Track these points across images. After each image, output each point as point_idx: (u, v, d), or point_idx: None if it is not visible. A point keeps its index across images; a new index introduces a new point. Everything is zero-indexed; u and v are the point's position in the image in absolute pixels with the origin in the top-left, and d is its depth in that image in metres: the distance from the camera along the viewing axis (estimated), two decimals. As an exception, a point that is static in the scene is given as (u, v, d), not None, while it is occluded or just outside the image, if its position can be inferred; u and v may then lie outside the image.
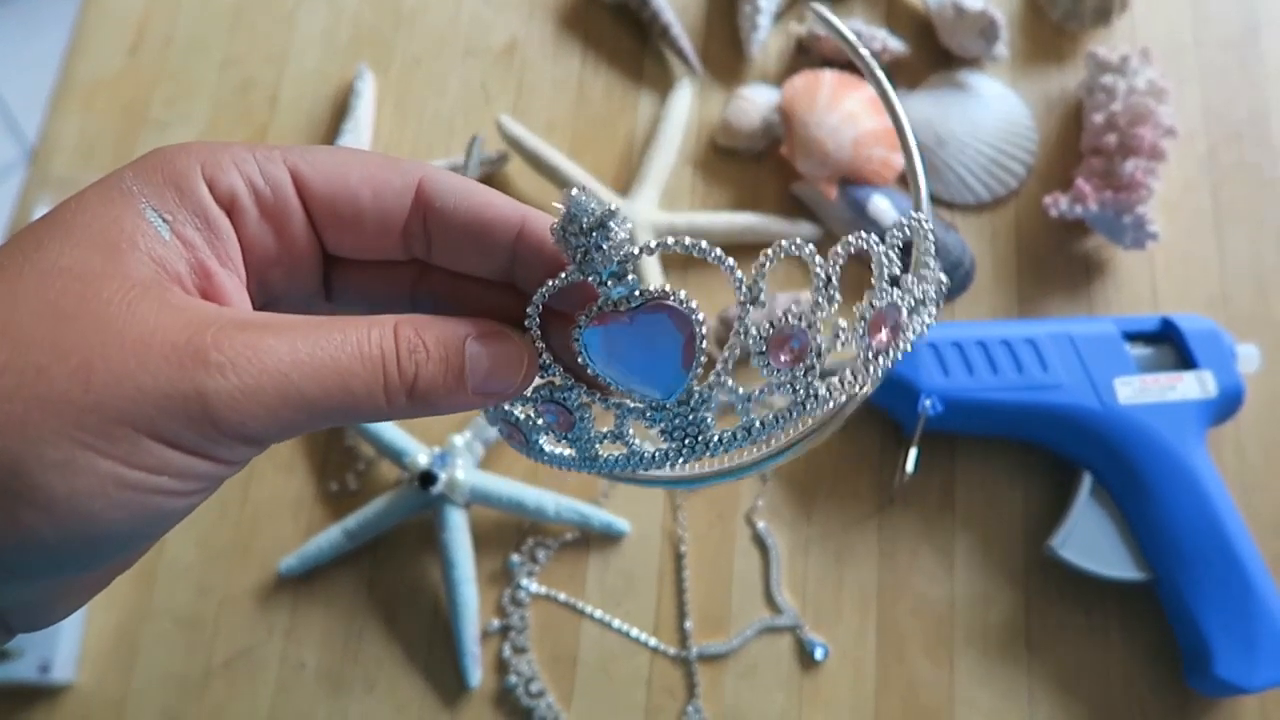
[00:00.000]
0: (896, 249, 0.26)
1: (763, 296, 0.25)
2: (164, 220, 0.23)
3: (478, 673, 0.51)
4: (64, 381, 0.20)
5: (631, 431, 0.27)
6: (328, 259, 0.27)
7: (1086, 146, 0.59)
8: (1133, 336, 0.54)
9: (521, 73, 0.65)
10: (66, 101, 0.64)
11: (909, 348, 0.27)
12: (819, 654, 0.52)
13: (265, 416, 0.21)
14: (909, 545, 0.54)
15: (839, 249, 0.25)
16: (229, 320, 0.22)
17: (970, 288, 0.58)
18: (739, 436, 0.26)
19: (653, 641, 0.52)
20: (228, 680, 0.52)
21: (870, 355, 0.26)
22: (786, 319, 0.25)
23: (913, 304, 0.27)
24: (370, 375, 0.23)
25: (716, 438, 0.26)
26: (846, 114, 0.58)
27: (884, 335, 0.26)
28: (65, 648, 0.52)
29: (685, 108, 0.61)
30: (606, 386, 0.26)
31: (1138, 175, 0.55)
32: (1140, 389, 0.52)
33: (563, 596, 0.53)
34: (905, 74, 0.63)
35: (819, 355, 0.25)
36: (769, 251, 0.24)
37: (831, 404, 0.26)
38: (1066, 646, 0.52)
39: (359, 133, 0.61)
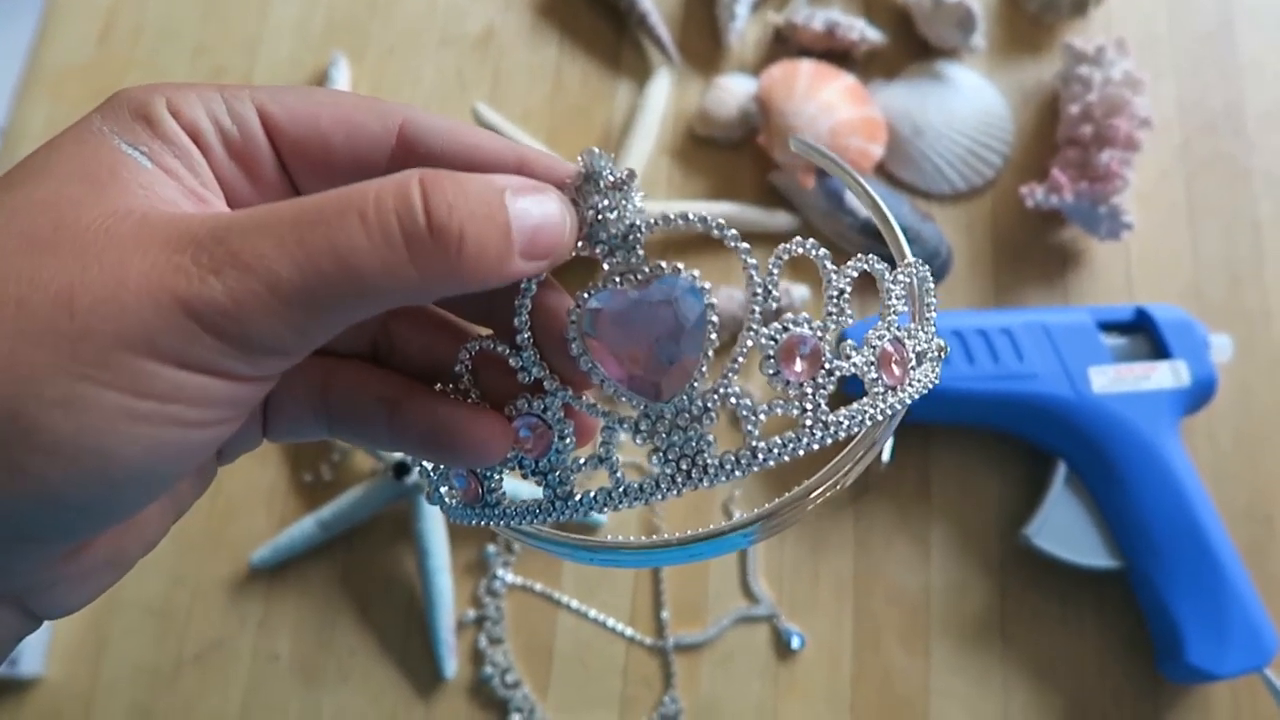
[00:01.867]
0: (901, 285, 0.25)
1: (775, 292, 0.23)
2: (141, 152, 0.21)
3: (453, 663, 0.51)
4: (46, 311, 0.18)
5: (618, 456, 0.24)
6: None
7: (1062, 137, 0.59)
8: (1107, 326, 0.54)
9: (498, 61, 0.64)
10: (35, 89, 0.63)
11: (916, 394, 0.25)
12: (795, 643, 0.52)
13: (270, 321, 0.19)
14: (885, 535, 0.54)
15: (852, 266, 0.24)
16: (213, 223, 0.20)
17: (947, 278, 0.58)
18: (742, 461, 0.23)
19: (629, 631, 0.52)
20: (199, 672, 0.52)
21: (881, 389, 0.24)
22: (800, 324, 0.23)
23: (919, 351, 0.25)
24: (381, 246, 0.19)
25: (717, 462, 0.23)
26: (824, 103, 0.58)
27: (895, 372, 0.24)
28: (33, 640, 0.51)
29: (662, 97, 0.61)
30: (594, 385, 0.24)
31: (1113, 166, 0.55)
32: (1115, 378, 0.52)
33: (539, 587, 0.53)
34: (882, 64, 0.63)
35: (830, 374, 0.23)
36: (783, 246, 0.23)
37: (840, 435, 0.23)
38: (1041, 634, 0.52)
39: (333, 121, 0.60)
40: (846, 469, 0.25)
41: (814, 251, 0.23)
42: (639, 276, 0.23)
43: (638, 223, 0.23)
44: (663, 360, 0.23)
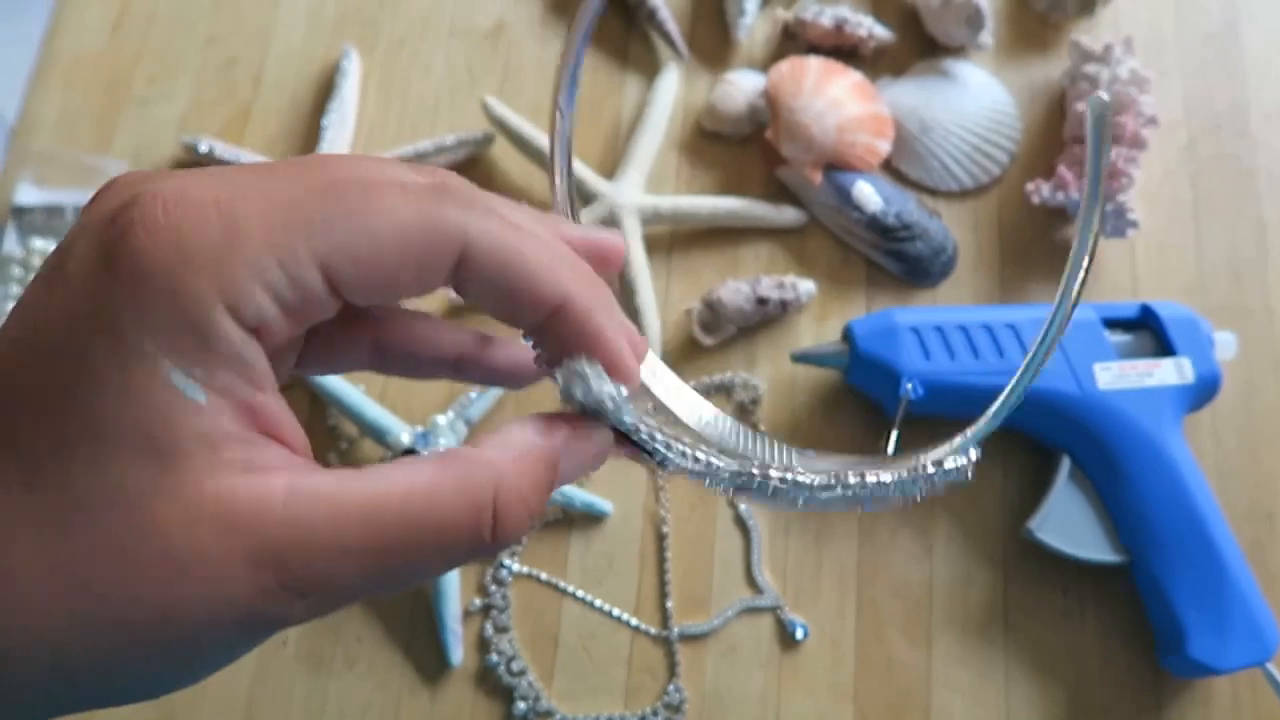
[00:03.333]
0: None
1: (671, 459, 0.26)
2: (193, 380, 0.19)
3: (459, 651, 0.51)
4: (150, 634, 0.19)
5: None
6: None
7: (1069, 135, 0.59)
8: (1112, 323, 0.54)
9: (507, 54, 0.65)
10: (47, 78, 0.64)
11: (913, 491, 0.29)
12: (799, 634, 0.52)
13: (337, 600, 0.21)
14: (889, 527, 0.54)
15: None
16: (288, 525, 0.20)
17: (952, 273, 0.58)
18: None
19: (634, 621, 0.52)
20: (208, 658, 0.52)
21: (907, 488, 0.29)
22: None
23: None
24: (442, 566, 0.22)
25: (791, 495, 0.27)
26: (831, 100, 0.58)
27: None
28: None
29: (671, 92, 0.62)
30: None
31: (1119, 164, 0.56)
32: (1119, 375, 0.52)
33: (544, 576, 0.53)
34: (890, 61, 0.63)
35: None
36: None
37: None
38: (1043, 627, 0.53)
39: (343, 113, 0.61)
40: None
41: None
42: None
43: (618, 411, 0.25)
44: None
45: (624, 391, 0.25)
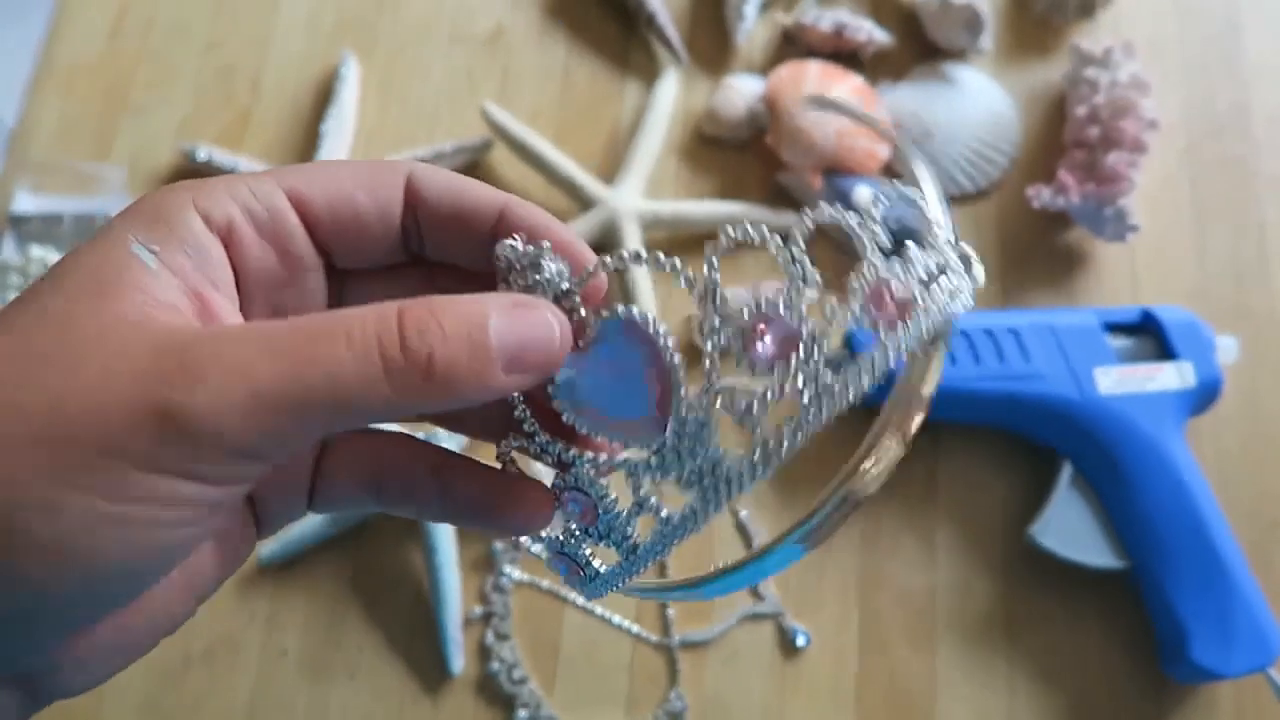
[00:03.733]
0: (878, 221, 0.23)
1: (720, 291, 0.22)
2: (150, 251, 0.22)
3: (460, 659, 0.51)
4: (39, 418, 0.19)
5: (653, 497, 0.24)
6: (337, 277, 0.27)
7: (1069, 139, 0.59)
8: (1113, 327, 0.54)
9: (506, 60, 0.64)
10: (46, 85, 0.63)
11: (942, 315, 0.23)
12: (800, 641, 0.52)
13: (242, 423, 0.20)
14: (891, 533, 0.54)
15: (798, 226, 0.22)
16: (199, 334, 0.21)
17: (953, 278, 0.58)
18: (759, 458, 0.22)
19: (635, 629, 0.52)
20: (208, 669, 0.52)
21: (884, 330, 0.22)
22: (758, 307, 0.22)
23: (925, 275, 0.23)
24: (361, 363, 0.21)
25: (736, 468, 0.22)
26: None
27: (890, 307, 0.22)
28: (43, 634, 0.51)
29: (671, 96, 0.61)
30: (601, 444, 0.25)
31: (1120, 168, 0.55)
32: (1120, 379, 0.52)
33: (545, 583, 0.53)
34: (890, 65, 0.63)
35: (815, 339, 0.22)
36: (717, 241, 0.22)
37: (850, 396, 0.22)
38: (1046, 634, 0.52)
39: (342, 119, 0.61)
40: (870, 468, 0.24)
41: (749, 232, 0.22)
42: (589, 333, 0.24)
43: (564, 287, 0.24)
44: (645, 394, 0.23)
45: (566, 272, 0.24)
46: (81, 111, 0.63)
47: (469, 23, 0.65)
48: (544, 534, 0.26)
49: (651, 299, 0.56)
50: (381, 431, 0.27)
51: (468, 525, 0.26)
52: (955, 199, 0.61)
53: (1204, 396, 0.53)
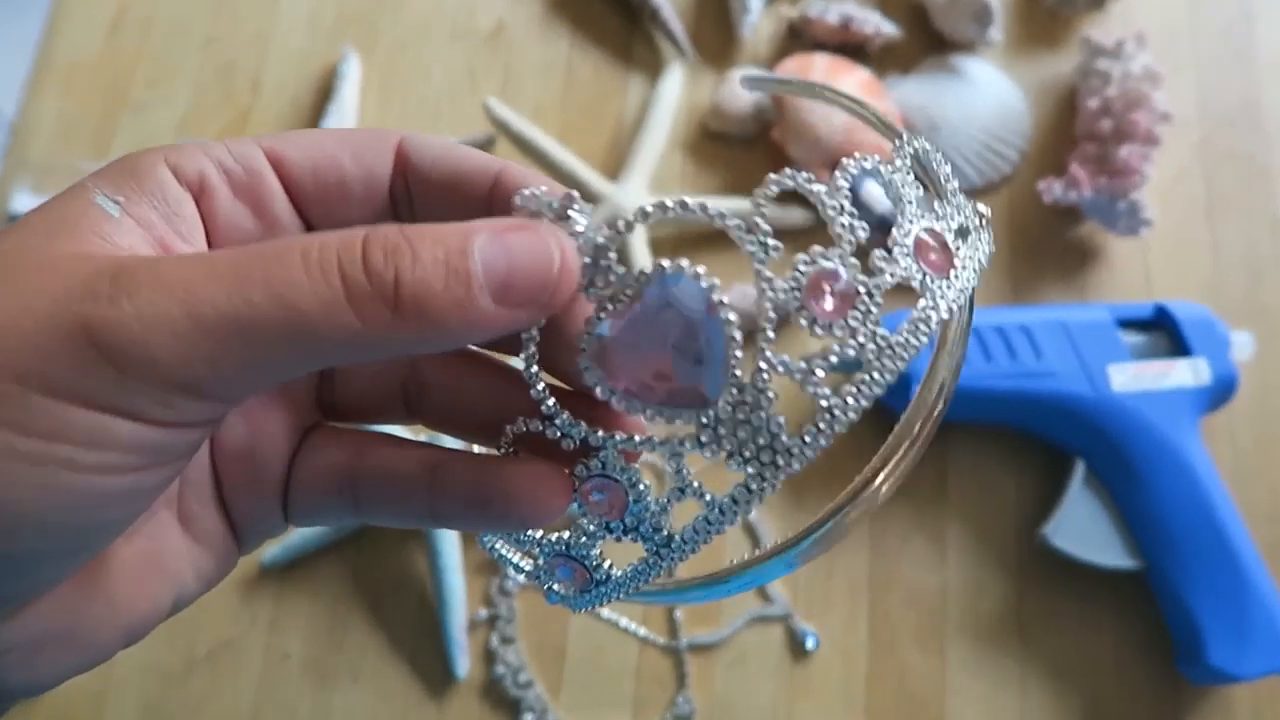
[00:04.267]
0: (904, 170, 0.22)
1: (772, 241, 0.21)
2: (114, 202, 0.21)
3: (465, 663, 0.51)
4: None
5: (695, 480, 0.22)
6: None
7: (1081, 132, 0.58)
8: (1126, 323, 0.53)
9: (509, 56, 0.64)
10: (45, 83, 0.63)
11: (975, 274, 0.22)
12: (810, 643, 0.51)
13: (176, 346, 0.17)
14: (900, 533, 0.53)
15: (839, 174, 0.21)
16: (144, 257, 0.19)
17: (963, 274, 0.57)
18: (822, 428, 0.20)
19: (642, 631, 0.52)
20: (210, 672, 0.51)
21: (934, 284, 0.21)
22: (812, 260, 0.21)
23: (956, 228, 0.22)
24: (318, 286, 0.18)
25: (798, 440, 0.21)
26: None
27: (934, 257, 0.21)
28: (44, 639, 0.51)
29: (675, 91, 0.61)
30: (634, 422, 0.22)
31: (1132, 161, 0.55)
32: (1134, 376, 0.51)
33: (551, 586, 0.52)
34: (898, 58, 0.62)
35: (870, 295, 0.21)
36: (760, 192, 0.21)
37: (912, 351, 0.21)
38: (1059, 635, 0.52)
39: (343, 116, 0.60)
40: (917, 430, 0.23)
41: (799, 180, 0.21)
42: (628, 293, 0.21)
43: (600, 241, 0.21)
44: (691, 362, 0.21)
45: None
46: (81, 110, 0.62)
47: (470, 18, 0.65)
48: (548, 536, 0.24)
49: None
50: (359, 431, 0.25)
51: (463, 525, 0.23)
52: (965, 193, 0.60)
53: (1219, 393, 0.52)
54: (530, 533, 0.24)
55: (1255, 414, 0.55)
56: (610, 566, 0.24)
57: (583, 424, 0.22)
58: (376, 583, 0.53)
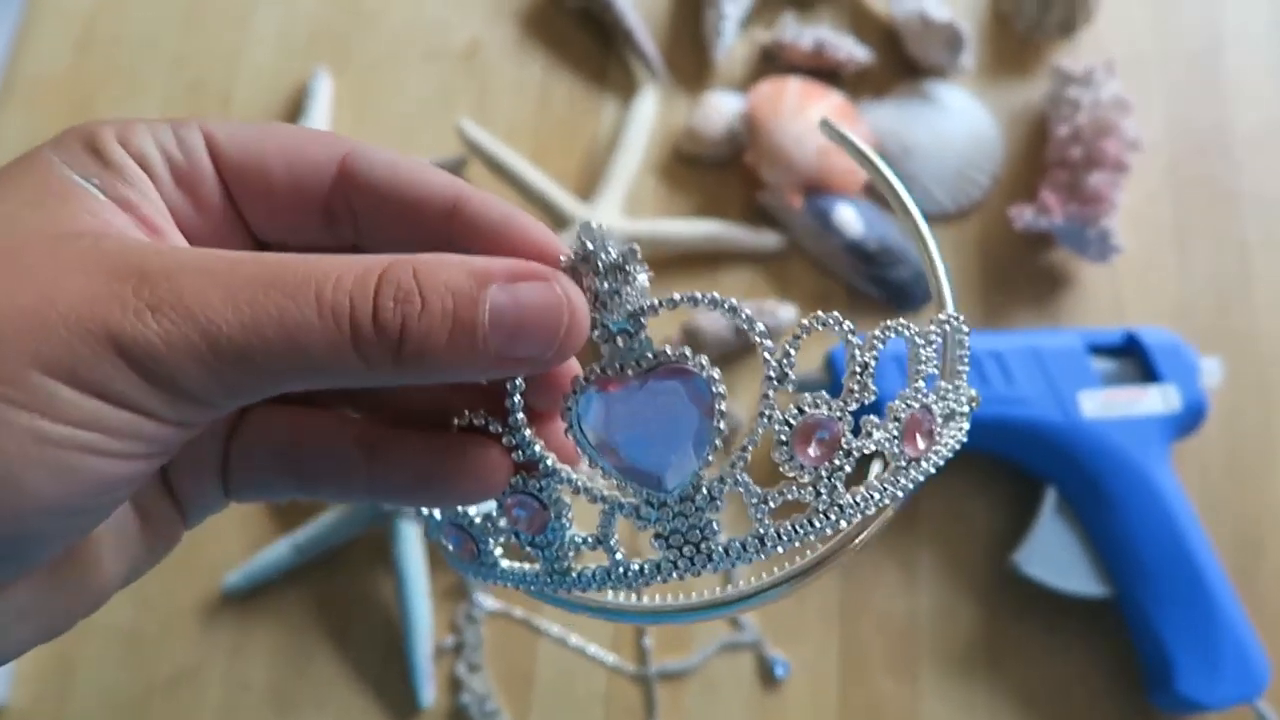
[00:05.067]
0: (933, 346, 0.24)
1: (792, 374, 0.22)
2: (93, 183, 0.21)
3: (430, 691, 0.50)
4: None
5: (616, 537, 0.23)
6: (262, 250, 0.25)
7: (1051, 159, 0.59)
8: (1097, 350, 0.54)
9: (483, 77, 0.63)
10: (10, 100, 0.62)
11: (941, 463, 0.24)
12: (780, 671, 0.51)
13: (198, 371, 0.18)
14: (872, 560, 0.53)
15: (878, 336, 0.22)
16: (161, 259, 0.19)
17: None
18: (749, 547, 0.22)
19: (611, 659, 0.51)
20: (169, 701, 0.50)
21: (904, 464, 0.23)
22: (819, 406, 0.22)
23: (947, 412, 0.24)
24: (329, 330, 0.19)
25: (721, 549, 0.22)
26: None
27: (919, 444, 0.23)
28: (-3, 667, 0.49)
29: (649, 114, 0.60)
30: (574, 455, 0.23)
31: (1102, 189, 0.55)
32: (1104, 403, 0.51)
33: (519, 612, 0.52)
34: (871, 83, 0.62)
35: (848, 455, 0.22)
36: (802, 324, 0.22)
37: (857, 517, 0.22)
38: (1030, 662, 0.51)
39: (314, 135, 0.59)
40: (862, 536, 0.24)
41: (837, 326, 0.22)
42: (642, 363, 0.21)
43: (642, 306, 0.21)
44: (666, 447, 0.22)
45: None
46: (47, 126, 0.61)
47: (444, 38, 0.64)
48: (463, 510, 0.24)
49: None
50: (297, 403, 0.24)
51: (401, 500, 0.23)
52: (936, 219, 0.60)
53: (1189, 420, 0.52)
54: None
55: (1225, 440, 0.56)
56: (500, 557, 0.24)
57: (541, 444, 0.22)
58: (341, 609, 0.52)
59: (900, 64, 0.63)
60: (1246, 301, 0.59)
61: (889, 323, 0.23)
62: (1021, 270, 0.59)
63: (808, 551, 0.23)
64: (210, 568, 0.52)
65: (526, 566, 0.24)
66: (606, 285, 0.21)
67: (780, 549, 0.22)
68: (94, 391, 0.18)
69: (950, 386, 0.24)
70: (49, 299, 0.18)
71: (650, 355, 0.21)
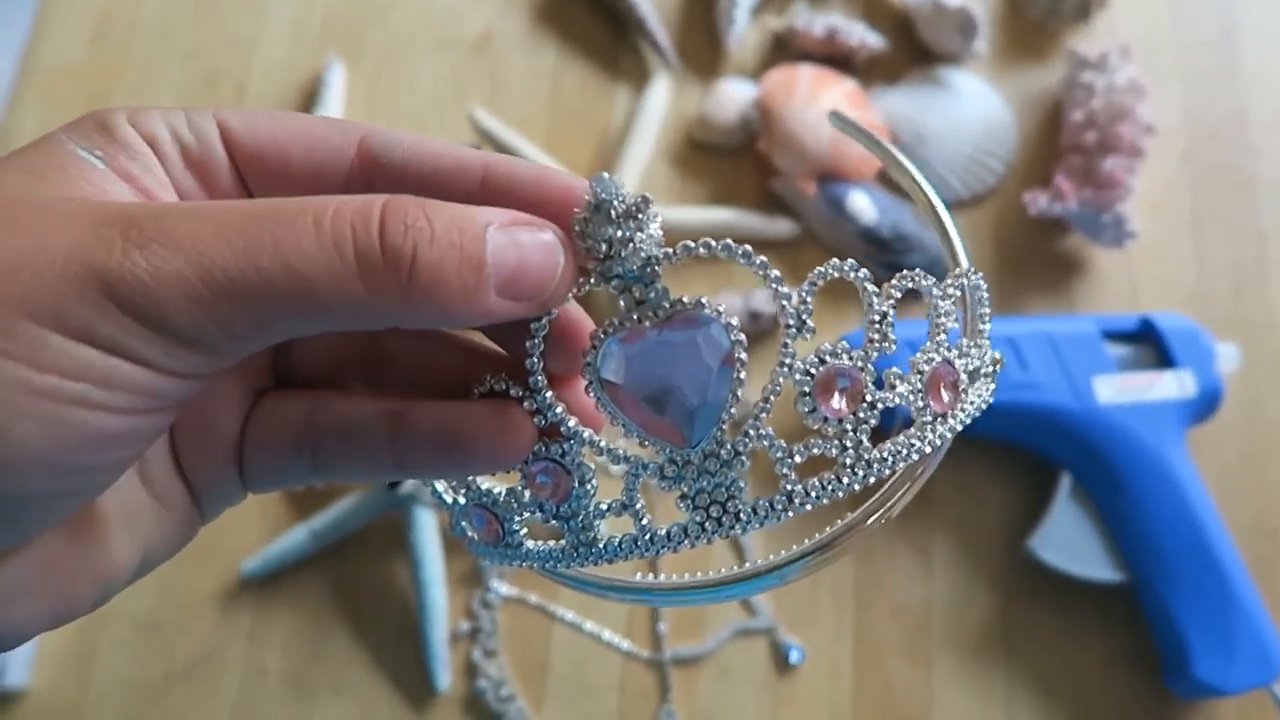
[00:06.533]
0: (950, 299, 0.23)
1: (810, 322, 0.21)
2: (95, 155, 0.21)
3: (446, 677, 0.50)
4: None
5: (642, 502, 0.22)
6: None
7: (1066, 144, 0.58)
8: (1112, 335, 0.53)
9: (495, 66, 0.63)
10: (28, 91, 0.62)
11: (967, 419, 0.23)
12: (794, 657, 0.51)
13: (190, 307, 0.18)
14: (887, 546, 0.53)
15: (896, 286, 0.22)
16: (150, 207, 0.19)
17: (949, 286, 0.57)
18: (777, 507, 0.21)
19: (625, 645, 0.51)
20: (188, 686, 0.51)
21: (929, 418, 0.22)
22: (839, 355, 0.21)
23: (970, 369, 0.23)
24: (330, 258, 0.18)
25: (750, 508, 0.21)
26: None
27: (944, 397, 0.22)
28: (19, 651, 0.50)
29: (661, 102, 0.60)
30: (600, 421, 0.22)
31: (1117, 173, 0.55)
32: (1119, 388, 0.51)
33: (534, 599, 0.52)
34: (884, 70, 0.62)
35: (872, 408, 0.21)
36: (819, 270, 0.21)
37: (885, 472, 0.22)
38: (1045, 648, 0.51)
39: (328, 125, 0.60)
40: (891, 502, 0.23)
41: (853, 273, 0.21)
42: (659, 313, 0.21)
43: (655, 254, 0.21)
44: (688, 403, 0.21)
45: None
46: (64, 117, 0.61)
47: (457, 28, 0.64)
48: (478, 484, 0.24)
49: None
50: (312, 390, 0.24)
51: (428, 472, 0.23)
52: (950, 205, 0.60)
53: (1204, 406, 0.52)
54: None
55: (1241, 426, 0.55)
56: (525, 536, 0.24)
57: (562, 407, 0.22)
58: (358, 595, 0.52)
59: (913, 50, 0.63)
60: (1262, 287, 0.58)
61: (905, 272, 0.22)
62: (1036, 256, 0.59)
63: (827, 528, 0.23)
64: (228, 554, 0.52)
65: (551, 544, 0.23)
66: (620, 233, 0.21)
67: (809, 506, 0.21)
68: (83, 337, 0.17)
69: (972, 344, 0.24)
70: (36, 247, 0.18)
71: (667, 305, 0.21)
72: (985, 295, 0.24)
